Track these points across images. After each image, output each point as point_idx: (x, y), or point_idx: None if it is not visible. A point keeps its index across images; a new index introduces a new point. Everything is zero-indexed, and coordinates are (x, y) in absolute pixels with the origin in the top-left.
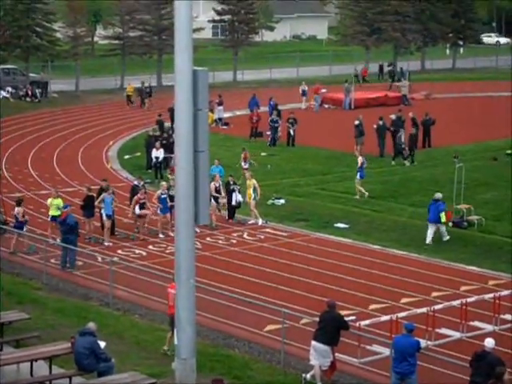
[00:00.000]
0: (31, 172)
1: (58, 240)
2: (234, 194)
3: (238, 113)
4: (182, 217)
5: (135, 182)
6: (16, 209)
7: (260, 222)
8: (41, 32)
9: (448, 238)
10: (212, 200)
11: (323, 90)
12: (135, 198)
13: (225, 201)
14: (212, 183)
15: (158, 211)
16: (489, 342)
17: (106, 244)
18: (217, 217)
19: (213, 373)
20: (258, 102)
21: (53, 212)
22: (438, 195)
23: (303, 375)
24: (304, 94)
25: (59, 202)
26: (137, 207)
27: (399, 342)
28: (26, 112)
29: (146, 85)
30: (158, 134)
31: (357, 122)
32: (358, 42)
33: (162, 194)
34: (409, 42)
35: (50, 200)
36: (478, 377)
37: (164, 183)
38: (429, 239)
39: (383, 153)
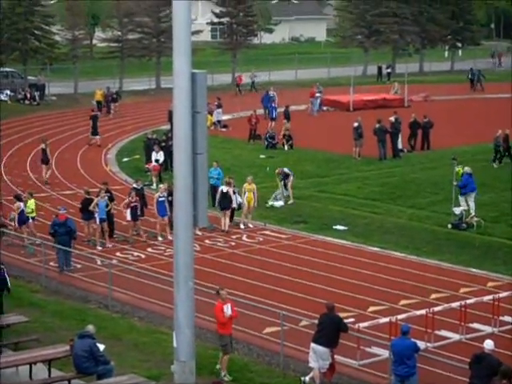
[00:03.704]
0: (30, 175)
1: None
2: (233, 197)
3: (236, 115)
4: (181, 219)
5: (134, 185)
6: (20, 204)
7: (242, 225)
8: (39, 35)
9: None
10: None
11: (318, 94)
12: (126, 201)
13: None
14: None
15: (157, 214)
16: (488, 344)
17: (99, 248)
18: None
19: (212, 375)
20: (271, 98)
21: (28, 214)
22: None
23: (302, 379)
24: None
25: (31, 203)
26: (128, 210)
27: (396, 344)
28: (24, 115)
29: (113, 90)
30: (155, 136)
31: (356, 125)
32: (357, 44)
33: (160, 196)
34: (407, 44)
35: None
36: (478, 379)
37: (162, 186)
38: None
39: (385, 155)
